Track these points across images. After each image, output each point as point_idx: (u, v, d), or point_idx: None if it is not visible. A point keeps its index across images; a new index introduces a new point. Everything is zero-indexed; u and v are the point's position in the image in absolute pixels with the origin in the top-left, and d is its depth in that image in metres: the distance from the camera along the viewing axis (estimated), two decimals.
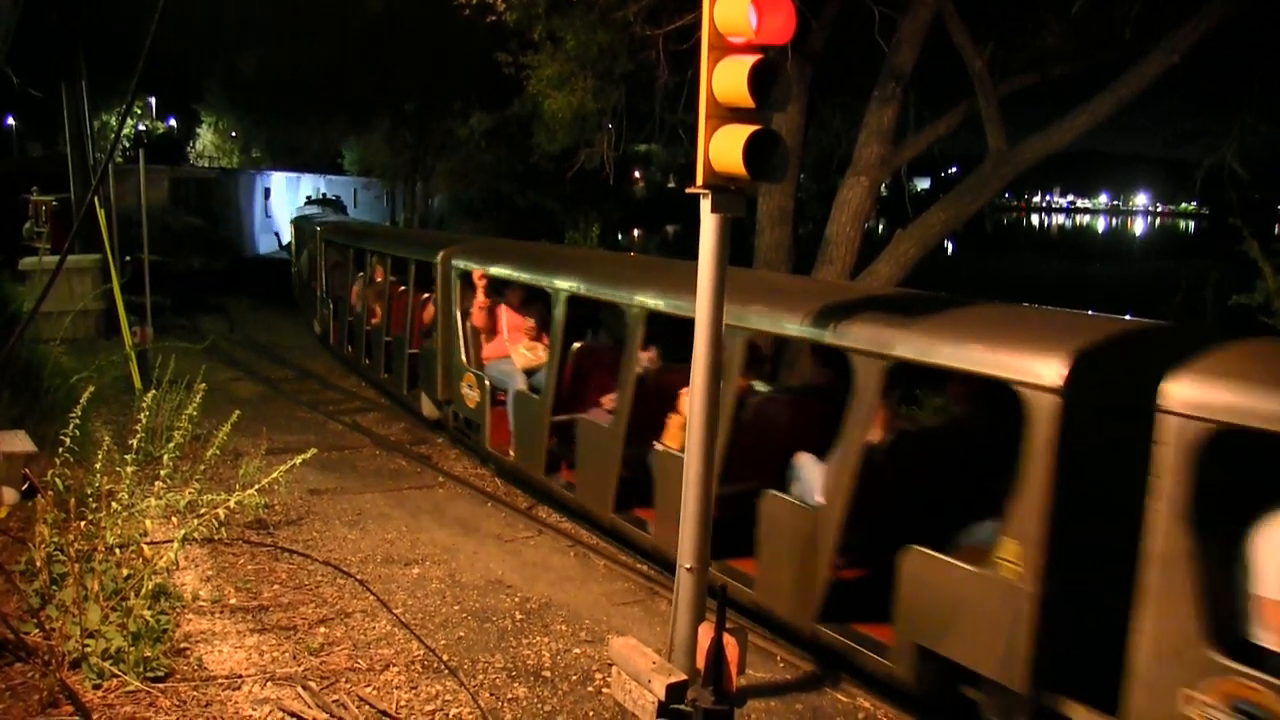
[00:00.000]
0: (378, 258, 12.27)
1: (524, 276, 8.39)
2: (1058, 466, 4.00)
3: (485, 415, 8.61)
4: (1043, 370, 4.01)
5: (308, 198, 36.54)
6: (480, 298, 8.70)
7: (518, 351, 8.52)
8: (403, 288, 11.05)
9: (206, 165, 45.28)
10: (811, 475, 5.40)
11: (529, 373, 8.26)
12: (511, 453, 8.24)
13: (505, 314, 8.87)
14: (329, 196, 36.77)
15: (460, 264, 9.19)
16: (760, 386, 6.52)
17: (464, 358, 9.02)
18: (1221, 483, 3.68)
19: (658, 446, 6.34)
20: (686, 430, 4.24)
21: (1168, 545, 3.69)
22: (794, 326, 5.31)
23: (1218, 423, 3.52)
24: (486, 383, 8.60)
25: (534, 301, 8.50)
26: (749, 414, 5.94)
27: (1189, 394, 3.61)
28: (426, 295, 10.35)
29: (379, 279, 12.11)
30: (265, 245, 35.44)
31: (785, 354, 8.99)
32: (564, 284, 7.52)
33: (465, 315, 9.04)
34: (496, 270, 8.69)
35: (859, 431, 4.87)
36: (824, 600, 5.08)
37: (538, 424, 7.65)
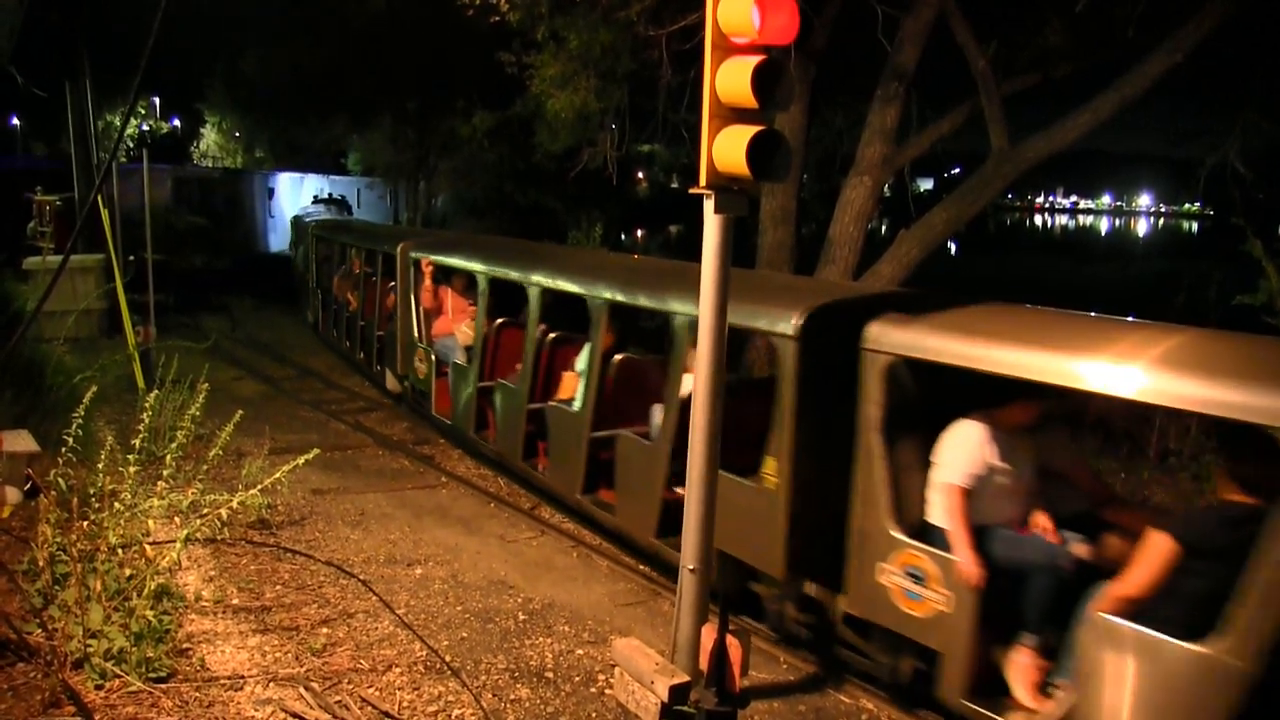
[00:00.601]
0: (355, 250, 13.56)
1: (458, 263, 9.67)
2: (798, 395, 5.14)
3: (432, 384, 9.86)
4: (784, 324, 5.19)
5: (314, 197, 36.66)
6: (427, 282, 10.00)
7: (460, 330, 9.72)
8: (374, 277, 12.18)
9: (210, 165, 45.35)
10: (658, 420, 6.44)
11: (469, 348, 9.33)
12: (450, 417, 9.47)
13: (450, 297, 10.07)
14: (335, 196, 36.89)
15: (414, 254, 10.45)
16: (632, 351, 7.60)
17: (416, 335, 10.34)
18: (909, 401, 4.92)
19: (552, 402, 7.57)
20: (691, 426, 4.29)
21: (866, 449, 4.91)
22: (638, 298, 6.75)
23: (894, 355, 4.77)
24: (433, 356, 9.86)
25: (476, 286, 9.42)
26: (619, 372, 7.21)
27: (877, 335, 4.85)
28: (392, 283, 11.25)
29: (355, 270, 13.41)
30: (276, 244, 35.54)
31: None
32: (483, 269, 8.91)
33: (419, 299, 10.33)
34: (438, 258, 9.97)
35: (677, 379, 6.09)
36: (660, 518, 6.18)
37: (468, 392, 8.90)
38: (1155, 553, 3.80)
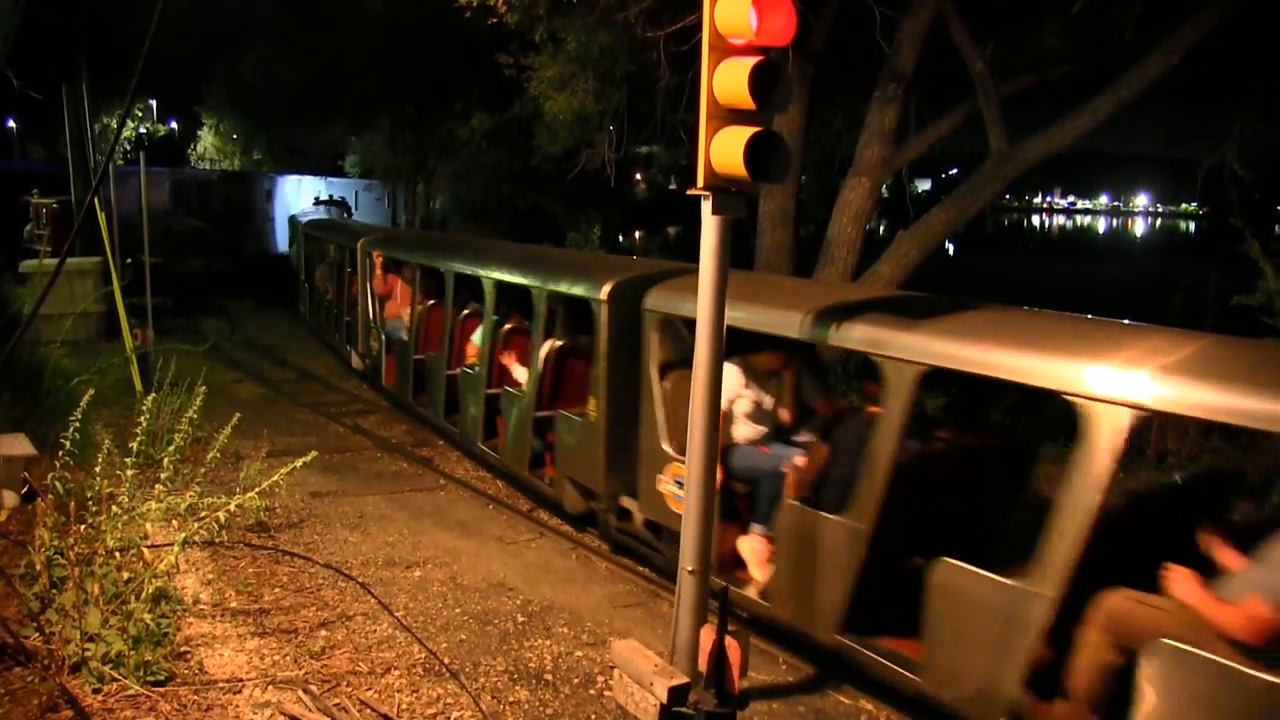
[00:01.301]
0: (334, 246, 14.91)
1: (400, 255, 11.45)
2: (608, 346, 6.70)
3: (383, 360, 11.57)
4: (598, 291, 6.82)
5: (315, 198, 36.79)
6: (378, 272, 11.67)
7: (406, 313, 10.99)
8: (344, 269, 13.74)
9: (208, 168, 45.30)
10: (522, 376, 8.09)
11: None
12: (395, 387, 11.19)
13: (399, 285, 11.43)
14: (335, 198, 37.04)
15: (369, 249, 12.09)
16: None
17: (371, 318, 11.97)
18: (684, 348, 6.21)
19: (460, 369, 9.18)
20: (689, 427, 4.35)
21: (648, 385, 6.32)
22: (514, 276, 8.39)
23: (662, 314, 6.24)
24: (384, 336, 11.48)
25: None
26: (506, 341, 8.66)
27: (653, 300, 6.33)
28: (355, 274, 12.85)
29: (331, 264, 15.00)
30: (275, 246, 35.61)
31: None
32: (415, 259, 10.80)
33: (373, 287, 11.94)
34: (385, 252, 11.76)
35: (539, 342, 7.79)
36: (530, 457, 7.91)
37: (407, 363, 10.56)
38: (816, 454, 5.51)
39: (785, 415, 6.17)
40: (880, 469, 4.68)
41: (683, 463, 5.20)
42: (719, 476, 5.30)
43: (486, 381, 8.57)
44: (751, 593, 5.60)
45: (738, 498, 5.95)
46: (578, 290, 7.15)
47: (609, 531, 7.08)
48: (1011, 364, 4.29)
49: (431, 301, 10.31)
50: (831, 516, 4.98)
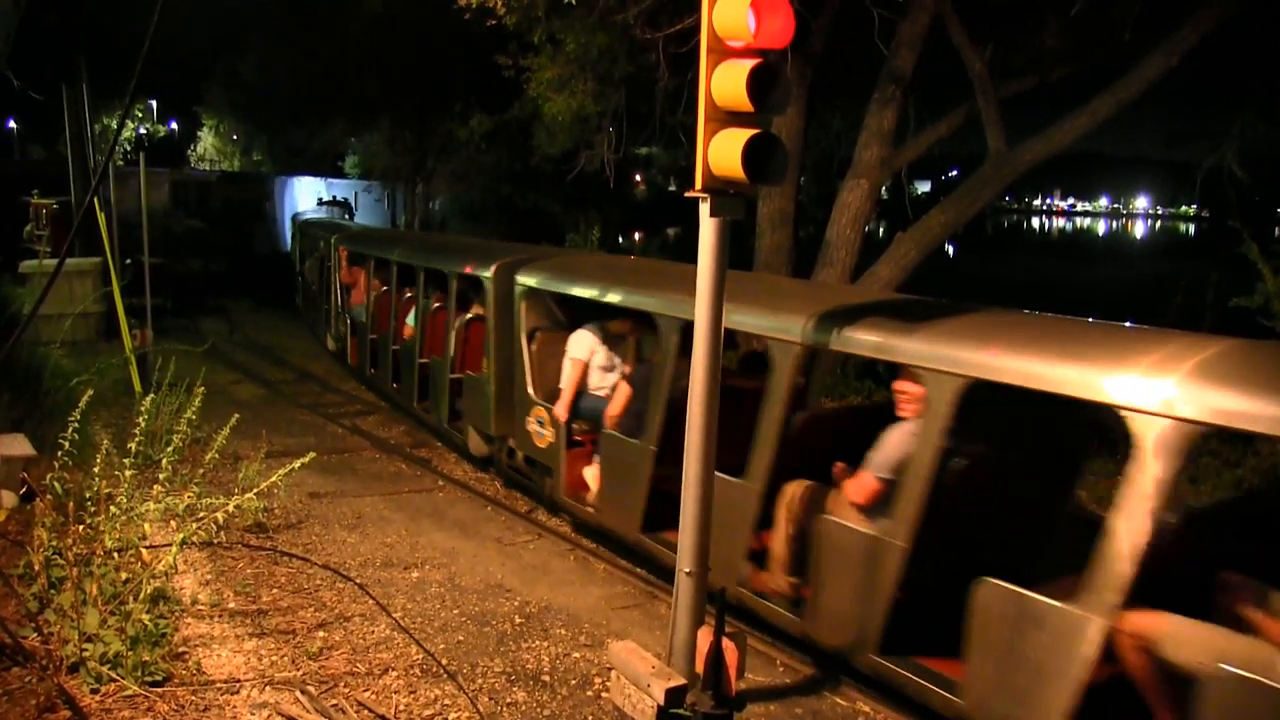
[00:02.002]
0: (322, 242, 15.82)
1: (359, 250, 13.03)
2: (495, 315, 8.11)
3: (348, 342, 13.09)
4: (486, 271, 8.27)
5: (319, 199, 37.07)
6: (344, 264, 13.22)
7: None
8: (327, 264, 14.67)
9: (208, 168, 45.30)
10: (407, 333, 10.56)
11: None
12: (356, 364, 12.77)
13: (361, 276, 12.67)
14: (339, 199, 37.32)
15: (338, 245, 13.63)
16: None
17: (339, 305, 13.51)
18: (552, 315, 8.02)
19: (400, 344, 10.73)
20: (687, 427, 4.40)
21: (517, 345, 7.84)
22: (429, 262, 10.17)
23: (528, 288, 7.73)
24: (349, 321, 12.95)
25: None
26: (429, 319, 10.04)
27: (522, 277, 7.80)
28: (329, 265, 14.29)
29: (318, 259, 16.00)
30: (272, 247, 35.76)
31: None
32: (372, 252, 12.39)
33: (340, 278, 13.47)
34: (350, 247, 13.31)
35: (453, 318, 9.30)
36: (417, 390, 10.18)
37: (365, 342, 12.16)
38: (621, 393, 6.78)
39: (628, 370, 7.28)
40: (659, 407, 6.13)
41: (544, 406, 7.41)
42: (566, 416, 7.17)
43: (419, 353, 10.09)
44: (589, 505, 7.03)
45: (586, 434, 7.29)
46: (475, 271, 8.63)
47: (503, 469, 8.57)
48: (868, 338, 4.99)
49: (384, 288, 11.51)
50: (628, 440, 6.38)
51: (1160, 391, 3.66)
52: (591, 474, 7.07)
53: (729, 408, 4.70)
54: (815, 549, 5.02)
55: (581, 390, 7.21)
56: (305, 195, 39.92)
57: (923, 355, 4.55)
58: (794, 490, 5.32)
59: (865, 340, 4.88)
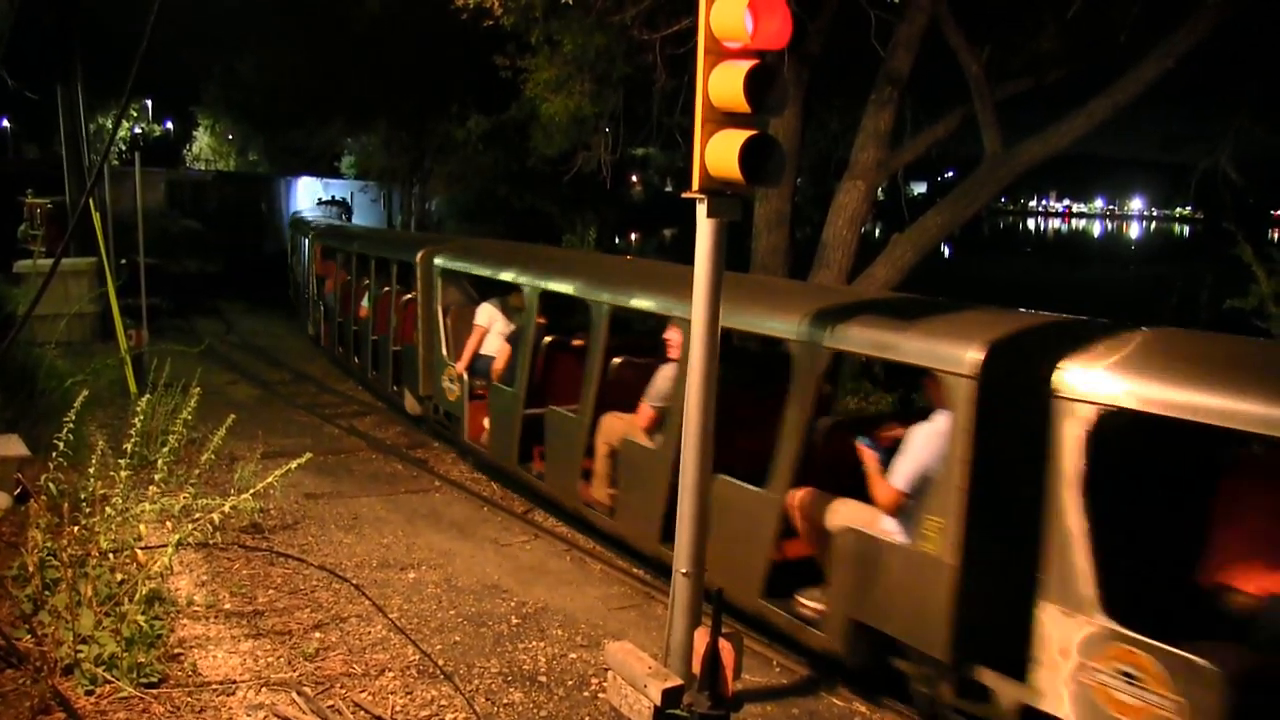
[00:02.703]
0: (305, 239, 17.47)
1: (330, 244, 14.95)
2: (422, 293, 9.61)
3: (322, 327, 14.96)
4: (414, 256, 9.73)
5: (318, 199, 37.51)
6: (319, 258, 15.19)
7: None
8: (306, 258, 16.59)
9: (203, 168, 45.22)
10: (330, 305, 13.93)
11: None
12: (329, 348, 14.44)
13: (334, 267, 14.32)
14: (338, 198, 37.74)
15: (314, 241, 15.73)
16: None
17: (315, 295, 15.36)
18: (466, 293, 9.65)
19: (355, 326, 12.61)
20: (684, 430, 4.35)
21: (434, 317, 9.37)
22: (378, 251, 12.19)
23: (443, 269, 9.25)
24: (323, 307, 14.82)
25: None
26: (380, 304, 11.53)
27: (439, 261, 9.29)
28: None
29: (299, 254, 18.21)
30: (270, 247, 35.93)
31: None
32: (338, 246, 14.38)
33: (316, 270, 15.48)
34: (323, 242, 15.34)
35: (395, 300, 10.99)
36: (354, 357, 12.64)
37: (333, 325, 14.00)
38: (503, 352, 8.18)
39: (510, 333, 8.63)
40: (525, 360, 7.61)
41: (450, 365, 8.98)
42: (462, 369, 8.69)
43: (371, 331, 11.75)
44: (484, 446, 8.48)
45: (483, 389, 8.50)
46: (408, 258, 10.06)
47: (431, 424, 10.12)
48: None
49: (348, 278, 13.16)
50: (505, 388, 7.83)
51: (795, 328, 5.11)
52: (486, 420, 8.38)
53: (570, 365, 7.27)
54: (619, 465, 6.56)
55: (483, 353, 8.59)
56: (307, 196, 40.40)
57: (671, 308, 6.08)
58: (609, 421, 6.73)
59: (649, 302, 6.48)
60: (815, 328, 5.00)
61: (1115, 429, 3.91)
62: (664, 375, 6.24)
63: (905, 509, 4.62)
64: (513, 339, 8.13)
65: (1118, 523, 3.94)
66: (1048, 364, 4.07)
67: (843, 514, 5.02)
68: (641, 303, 6.52)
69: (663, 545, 5.75)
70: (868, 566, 4.63)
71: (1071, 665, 3.90)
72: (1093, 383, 3.91)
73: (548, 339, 7.97)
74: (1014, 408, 4.21)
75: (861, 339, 4.85)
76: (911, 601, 4.41)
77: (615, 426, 6.67)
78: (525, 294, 7.70)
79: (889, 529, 4.69)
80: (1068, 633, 3.91)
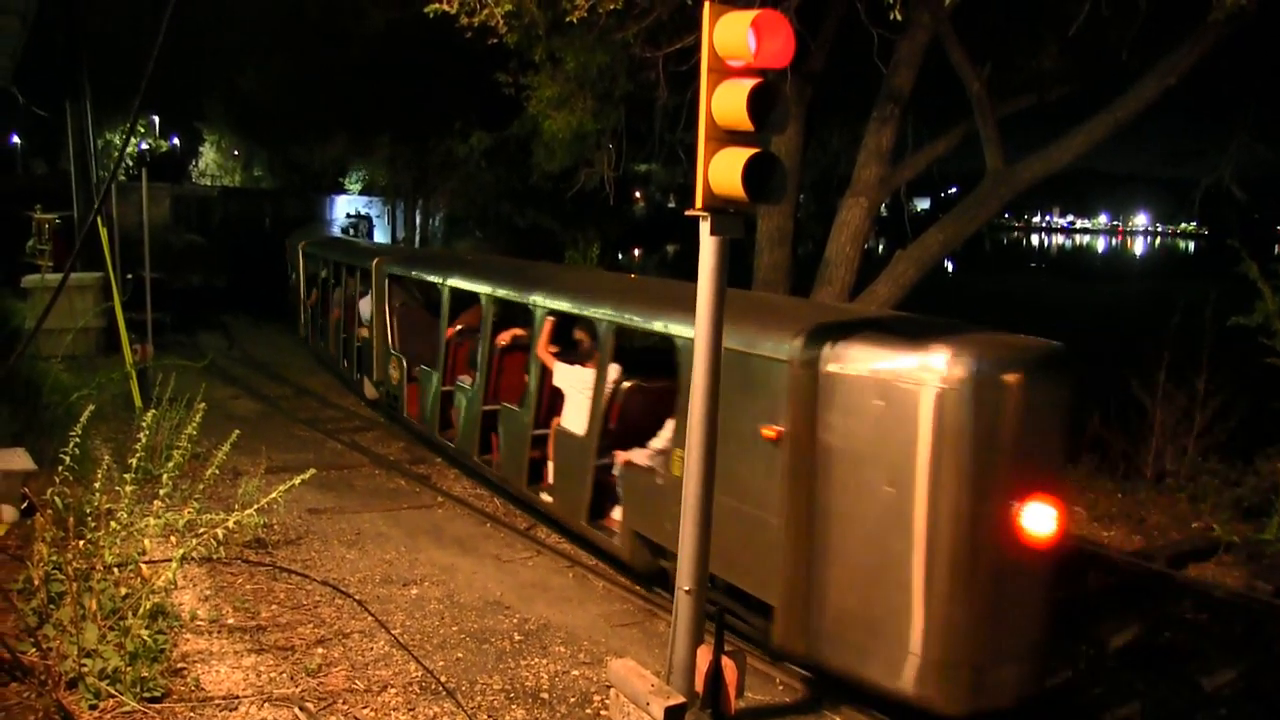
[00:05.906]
0: (297, 249, 19.36)
1: (311, 254, 16.71)
2: (375, 294, 11.45)
3: (310, 329, 16.70)
4: (370, 264, 11.76)
5: (346, 214, 39.18)
6: (303, 265, 17.05)
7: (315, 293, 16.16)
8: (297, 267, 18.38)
9: (209, 184, 45.47)
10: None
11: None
12: (314, 346, 16.30)
13: (317, 276, 15.98)
14: (362, 214, 39.63)
15: (300, 251, 17.42)
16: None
17: (302, 300, 17.25)
18: (408, 292, 11.79)
19: (323, 319, 15.22)
20: (687, 446, 4.35)
21: (381, 314, 11.35)
22: (350, 260, 13.92)
23: (388, 273, 11.39)
24: (310, 310, 16.52)
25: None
26: (344, 302, 13.67)
27: (384, 266, 11.45)
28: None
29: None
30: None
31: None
32: (320, 255, 16.04)
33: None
34: (305, 251, 17.13)
35: (360, 302, 12.78)
36: (331, 341, 14.93)
37: (316, 324, 15.95)
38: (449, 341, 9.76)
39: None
40: (440, 345, 9.60)
41: (397, 356, 10.82)
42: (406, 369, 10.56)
43: (342, 328, 13.64)
44: (415, 420, 10.25)
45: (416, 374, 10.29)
46: (366, 265, 11.95)
47: (384, 406, 11.70)
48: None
49: (325, 281, 15.08)
50: (433, 370, 9.65)
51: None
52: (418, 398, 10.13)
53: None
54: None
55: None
56: (344, 212, 43.01)
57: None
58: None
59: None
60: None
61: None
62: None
63: (665, 451, 6.21)
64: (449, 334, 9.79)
65: None
66: None
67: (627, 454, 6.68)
68: (507, 294, 8.39)
69: (478, 457, 8.58)
70: (640, 491, 6.38)
71: None
72: None
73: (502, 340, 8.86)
74: None
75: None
76: (671, 517, 5.11)
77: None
78: (439, 288, 9.68)
79: (653, 463, 6.36)
80: None
